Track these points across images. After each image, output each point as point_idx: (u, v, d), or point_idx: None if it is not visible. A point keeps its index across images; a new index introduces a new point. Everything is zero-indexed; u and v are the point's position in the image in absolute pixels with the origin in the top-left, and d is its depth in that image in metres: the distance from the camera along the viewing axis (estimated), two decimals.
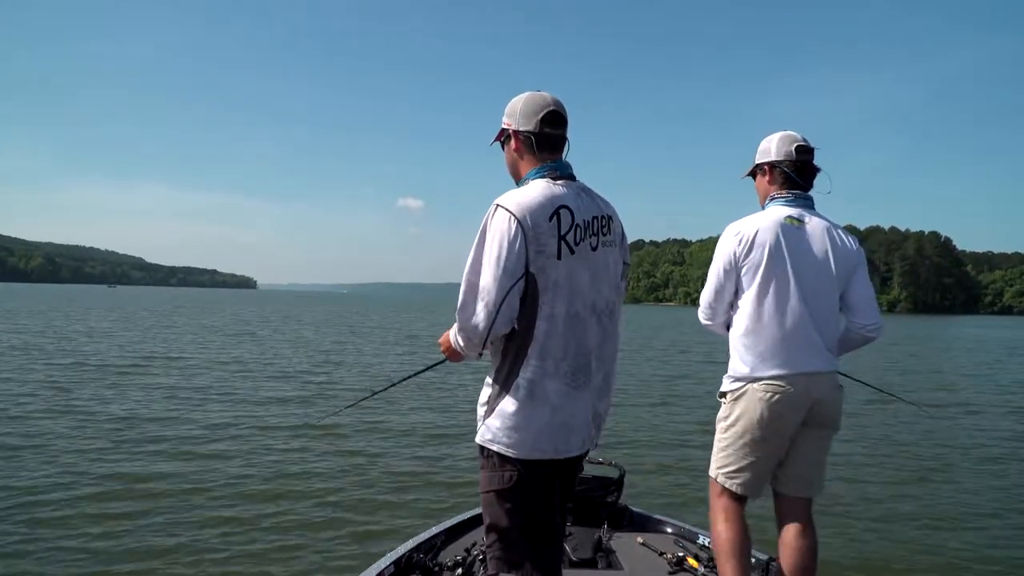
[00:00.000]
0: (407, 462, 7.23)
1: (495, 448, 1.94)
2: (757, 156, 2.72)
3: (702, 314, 2.74)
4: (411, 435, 8.56)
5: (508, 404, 1.92)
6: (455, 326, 1.99)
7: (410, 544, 3.14)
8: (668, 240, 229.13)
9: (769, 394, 2.47)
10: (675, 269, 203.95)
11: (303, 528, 5.16)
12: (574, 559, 3.13)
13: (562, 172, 2.00)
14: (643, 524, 3.71)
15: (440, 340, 2.14)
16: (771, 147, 2.67)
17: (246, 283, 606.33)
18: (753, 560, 2.84)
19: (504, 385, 1.94)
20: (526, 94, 2.05)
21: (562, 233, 1.89)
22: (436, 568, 2.97)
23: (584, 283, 1.94)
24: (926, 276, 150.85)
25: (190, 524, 5.12)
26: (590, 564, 3.14)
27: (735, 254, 2.56)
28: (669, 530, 3.63)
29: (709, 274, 2.66)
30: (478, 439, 1.99)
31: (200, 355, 17.36)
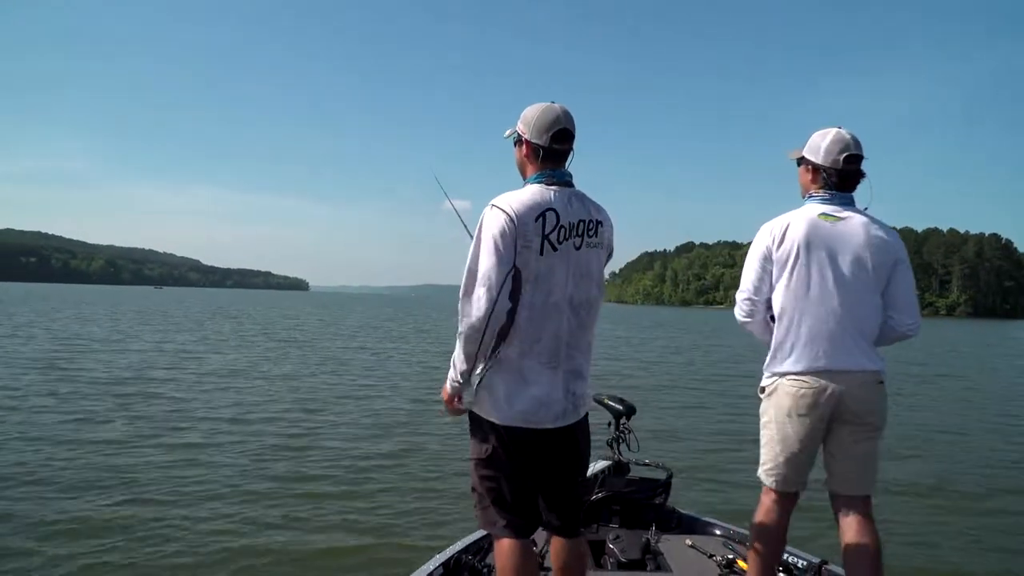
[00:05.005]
0: (457, 464, 7.06)
1: (477, 412, 2.25)
2: (806, 148, 2.69)
3: (740, 310, 2.71)
4: (461, 437, 8.78)
5: (491, 378, 2.20)
6: (459, 335, 2.17)
7: (458, 546, 3.18)
8: (719, 242, 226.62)
9: (795, 389, 2.52)
10: (726, 272, 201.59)
11: (351, 529, 5.22)
12: (623, 560, 3.17)
13: (558, 179, 2.24)
14: (691, 526, 3.69)
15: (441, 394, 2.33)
16: (820, 147, 2.62)
17: (298, 285, 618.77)
18: (805, 563, 3.10)
19: (489, 360, 2.21)
20: (541, 107, 2.27)
21: (546, 232, 2.14)
22: (484, 570, 3.03)
23: (562, 278, 2.18)
24: (986, 279, 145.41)
25: (237, 521, 5.22)
26: (638, 566, 3.15)
27: (768, 248, 2.61)
28: (718, 532, 3.60)
29: (745, 270, 2.71)
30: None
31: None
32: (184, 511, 5.36)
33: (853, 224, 2.56)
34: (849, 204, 2.62)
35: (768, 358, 2.64)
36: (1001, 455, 8.79)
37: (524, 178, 2.32)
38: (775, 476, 2.62)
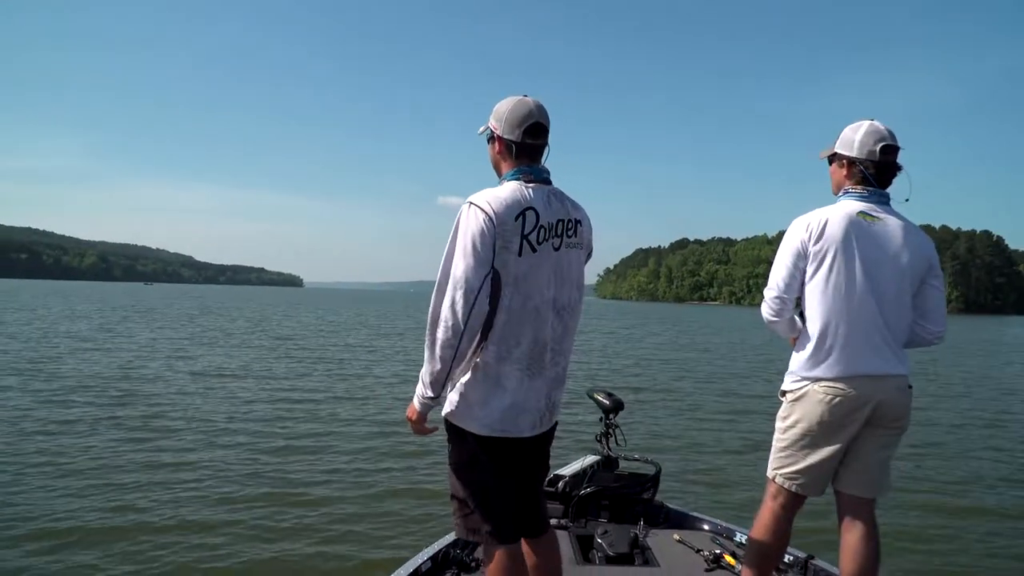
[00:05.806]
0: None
1: (453, 420, 2.15)
2: (838, 143, 2.58)
3: (769, 309, 2.57)
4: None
5: (466, 383, 2.12)
6: (427, 346, 2.07)
7: (447, 539, 3.17)
8: (713, 239, 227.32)
9: (828, 396, 2.43)
10: (720, 268, 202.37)
11: (340, 524, 5.24)
12: (611, 554, 3.17)
13: (536, 176, 2.15)
14: (680, 521, 3.69)
15: (407, 413, 2.23)
16: (854, 140, 2.52)
17: (292, 281, 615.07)
18: (791, 558, 3.08)
19: (464, 366, 2.13)
20: (513, 101, 2.18)
21: (525, 232, 2.04)
22: (473, 563, 3.02)
23: (543, 280, 2.10)
24: (977, 276, 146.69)
25: (226, 518, 5.25)
26: (626, 560, 3.16)
27: (803, 244, 2.48)
28: (706, 527, 3.61)
29: (775, 266, 2.56)
30: (442, 412, 2.19)
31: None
32: (176, 516, 5.30)
33: (891, 225, 2.48)
34: (886, 202, 2.54)
35: (798, 361, 2.53)
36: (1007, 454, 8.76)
37: (499, 176, 2.23)
38: (797, 482, 2.53)
